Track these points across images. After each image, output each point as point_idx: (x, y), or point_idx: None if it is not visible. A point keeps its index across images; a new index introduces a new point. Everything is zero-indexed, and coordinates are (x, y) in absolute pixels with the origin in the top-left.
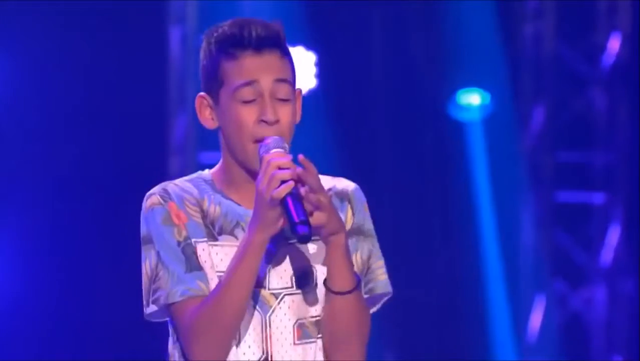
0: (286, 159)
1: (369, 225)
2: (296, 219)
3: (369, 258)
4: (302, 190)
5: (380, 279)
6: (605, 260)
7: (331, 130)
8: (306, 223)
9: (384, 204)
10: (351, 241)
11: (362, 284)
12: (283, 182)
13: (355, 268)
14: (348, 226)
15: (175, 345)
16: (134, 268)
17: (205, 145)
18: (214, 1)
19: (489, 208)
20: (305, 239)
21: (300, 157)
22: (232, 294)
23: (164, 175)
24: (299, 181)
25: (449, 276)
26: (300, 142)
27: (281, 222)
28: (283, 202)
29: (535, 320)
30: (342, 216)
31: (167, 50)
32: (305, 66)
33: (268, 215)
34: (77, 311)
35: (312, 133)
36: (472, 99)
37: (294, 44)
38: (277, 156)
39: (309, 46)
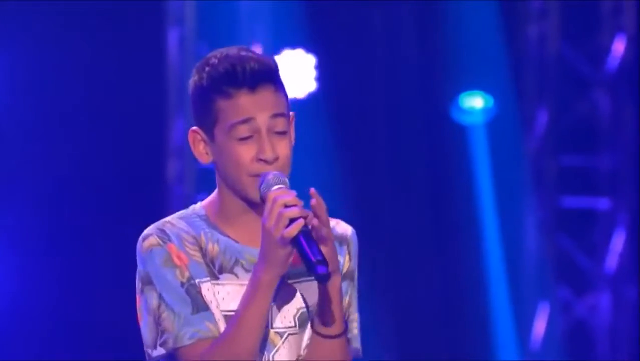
0: (292, 196)
1: (356, 274)
2: (313, 259)
3: (349, 306)
4: (314, 222)
5: (353, 333)
6: (610, 266)
7: (331, 134)
8: (324, 262)
9: (385, 209)
10: (342, 285)
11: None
12: (292, 220)
13: None
14: (344, 270)
15: None
16: (132, 269)
17: None
18: (213, 1)
19: (492, 213)
20: (326, 279)
21: (312, 190)
22: (245, 335)
23: (161, 180)
24: (306, 217)
25: (451, 282)
26: (301, 146)
27: (290, 260)
28: (296, 241)
29: (539, 326)
30: (340, 260)
31: (165, 52)
32: (305, 68)
33: (278, 254)
34: (76, 311)
35: (313, 137)
36: (475, 102)
37: (293, 47)
38: (282, 193)
39: (309, 49)
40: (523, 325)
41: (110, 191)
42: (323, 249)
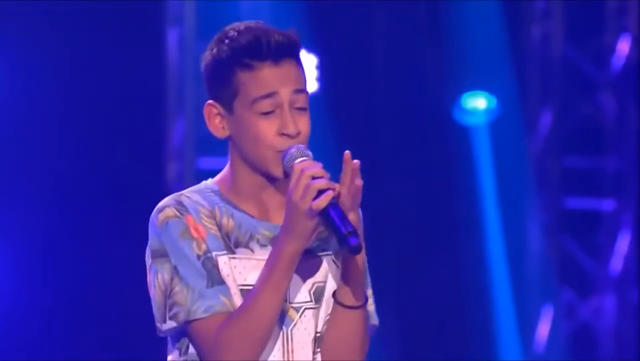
0: (318, 168)
1: (364, 250)
2: (344, 231)
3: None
4: (357, 183)
5: (369, 310)
6: (615, 268)
7: (333, 135)
8: (355, 233)
9: (387, 210)
10: None
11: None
12: (319, 192)
13: None
14: None
15: None
16: (131, 269)
17: (205, 150)
18: (213, 1)
19: (495, 215)
20: (358, 250)
21: (347, 154)
22: (265, 308)
23: (161, 182)
24: (334, 189)
25: (454, 285)
26: None
27: (315, 233)
28: (324, 213)
29: (543, 330)
30: None
31: (164, 52)
32: (306, 69)
33: (305, 226)
34: (74, 313)
35: (313, 139)
36: (478, 102)
37: None
38: (308, 165)
39: (309, 48)
40: (526, 327)
41: (109, 193)
42: (352, 217)
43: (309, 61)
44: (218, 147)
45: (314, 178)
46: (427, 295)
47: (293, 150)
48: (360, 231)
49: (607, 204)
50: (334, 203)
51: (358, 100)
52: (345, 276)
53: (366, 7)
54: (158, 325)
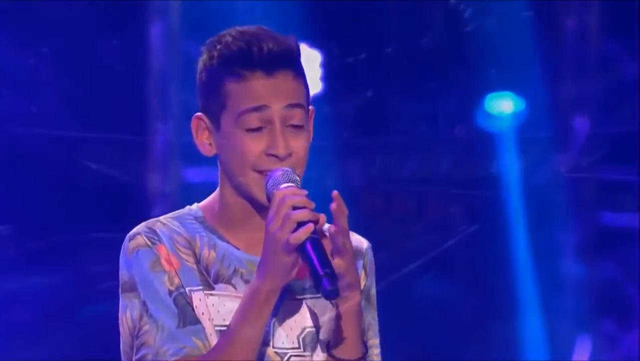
0: (301, 197)
1: (374, 292)
2: (321, 272)
3: (368, 330)
4: (330, 229)
5: None
6: None
7: (339, 144)
8: (332, 275)
9: (400, 227)
10: None
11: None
12: (300, 224)
13: None
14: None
15: None
16: (107, 289)
17: (191, 160)
18: None
19: (522, 234)
20: (333, 295)
21: (335, 193)
22: (238, 352)
23: (141, 196)
24: (317, 222)
25: (477, 315)
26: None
27: (296, 270)
28: (302, 248)
29: None
30: None
31: (146, 49)
32: (308, 66)
33: (282, 262)
34: (51, 330)
35: (317, 147)
36: (503, 105)
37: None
38: (290, 192)
39: (313, 44)
40: None
41: (84, 209)
42: (340, 262)
43: (312, 57)
44: (207, 157)
45: (295, 208)
46: (446, 323)
47: (278, 173)
48: (351, 278)
49: None
50: (315, 238)
51: (367, 103)
52: (338, 325)
53: None
54: None
